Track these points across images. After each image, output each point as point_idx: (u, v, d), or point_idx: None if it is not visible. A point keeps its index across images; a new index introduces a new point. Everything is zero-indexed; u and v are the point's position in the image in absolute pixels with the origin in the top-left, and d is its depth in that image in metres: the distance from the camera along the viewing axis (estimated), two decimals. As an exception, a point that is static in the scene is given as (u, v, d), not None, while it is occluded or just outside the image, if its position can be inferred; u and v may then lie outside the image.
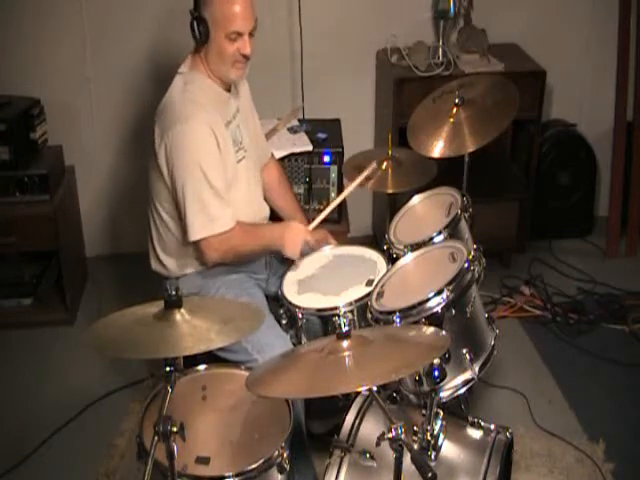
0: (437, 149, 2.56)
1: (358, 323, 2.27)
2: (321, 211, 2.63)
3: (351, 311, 2.26)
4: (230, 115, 2.44)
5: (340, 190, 3.13)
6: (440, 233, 2.36)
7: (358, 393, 2.09)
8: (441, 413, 1.97)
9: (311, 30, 3.48)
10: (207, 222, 2.30)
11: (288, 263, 2.54)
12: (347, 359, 1.63)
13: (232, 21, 2.27)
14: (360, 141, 3.53)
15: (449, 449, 1.96)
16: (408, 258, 2.30)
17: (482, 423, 2.04)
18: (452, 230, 2.37)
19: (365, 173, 2.60)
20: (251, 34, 2.32)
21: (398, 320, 2.01)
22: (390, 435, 1.62)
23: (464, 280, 2.05)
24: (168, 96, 2.36)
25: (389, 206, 2.85)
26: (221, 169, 2.32)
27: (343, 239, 2.93)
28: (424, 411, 1.97)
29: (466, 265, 2.06)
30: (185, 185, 2.28)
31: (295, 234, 2.45)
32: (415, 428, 1.94)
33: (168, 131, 2.27)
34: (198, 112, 2.28)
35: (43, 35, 3.48)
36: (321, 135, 3.19)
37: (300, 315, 2.31)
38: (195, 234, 2.31)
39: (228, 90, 2.44)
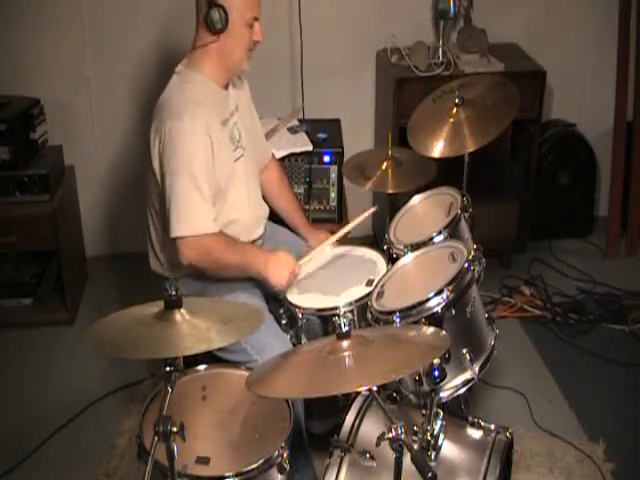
0: (437, 149, 2.56)
1: (358, 323, 2.26)
2: (311, 249, 2.49)
3: (351, 311, 2.25)
4: (227, 113, 2.43)
5: (340, 192, 3.14)
6: (440, 233, 2.35)
7: (358, 393, 2.09)
8: (441, 413, 1.97)
9: (311, 30, 3.48)
10: (188, 221, 2.25)
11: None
12: (347, 359, 1.63)
13: (252, 6, 2.28)
14: (360, 141, 3.53)
15: (449, 449, 1.96)
16: (408, 258, 2.30)
17: (482, 423, 2.04)
18: (452, 230, 2.36)
19: (364, 215, 2.48)
20: None
21: (398, 320, 2.01)
22: (390, 435, 1.62)
23: (464, 280, 2.05)
24: (165, 95, 2.35)
25: (389, 206, 2.85)
26: (211, 173, 2.29)
27: (343, 239, 2.92)
28: (424, 411, 1.96)
29: (466, 265, 2.06)
30: (172, 182, 2.25)
31: (281, 264, 2.33)
32: (415, 428, 1.94)
33: (162, 127, 2.26)
34: (194, 109, 2.27)
35: (43, 35, 3.48)
36: (321, 135, 3.19)
37: (300, 315, 2.31)
38: (175, 231, 2.25)
39: (225, 88, 2.44)
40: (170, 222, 2.27)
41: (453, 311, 2.01)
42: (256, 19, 2.31)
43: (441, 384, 1.97)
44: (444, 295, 2.00)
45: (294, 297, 2.36)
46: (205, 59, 2.35)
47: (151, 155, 2.31)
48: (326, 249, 2.54)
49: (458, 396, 2.10)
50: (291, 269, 2.34)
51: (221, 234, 2.32)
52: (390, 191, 2.63)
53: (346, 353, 1.64)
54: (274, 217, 2.72)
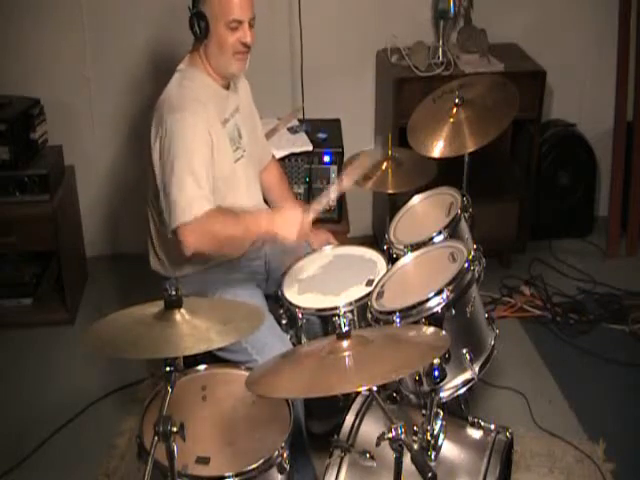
0: (437, 149, 2.56)
1: (358, 323, 2.27)
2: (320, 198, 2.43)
3: (351, 311, 2.26)
4: (228, 113, 2.44)
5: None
6: (440, 233, 2.36)
7: (358, 393, 2.09)
8: (441, 413, 1.97)
9: (311, 30, 3.48)
10: (182, 208, 2.19)
11: (288, 263, 2.54)
12: (347, 359, 1.63)
13: (231, 9, 2.27)
14: (360, 141, 3.52)
15: (449, 449, 1.96)
16: (408, 258, 2.30)
17: (482, 423, 2.04)
18: (452, 230, 2.37)
19: (360, 168, 2.53)
20: (251, 25, 2.32)
21: (398, 320, 2.01)
22: (390, 435, 1.62)
23: (464, 280, 2.05)
24: (165, 92, 2.35)
25: (389, 206, 2.85)
26: (209, 168, 2.28)
27: (343, 239, 2.93)
28: (424, 411, 1.97)
29: (466, 265, 2.06)
30: (169, 174, 2.22)
31: (288, 218, 2.26)
32: (415, 428, 1.94)
33: (163, 124, 2.26)
34: (194, 107, 2.27)
35: (43, 35, 3.48)
36: (321, 135, 3.19)
37: (300, 315, 2.31)
38: (172, 222, 2.21)
39: (226, 88, 2.44)
40: (167, 215, 2.24)
41: (453, 311, 2.01)
42: (239, 22, 2.29)
43: (441, 384, 1.97)
44: (444, 295, 2.00)
45: (294, 297, 2.36)
46: (200, 60, 2.37)
47: (152, 153, 2.31)
48: (327, 249, 2.56)
49: (458, 396, 2.10)
50: (299, 221, 2.26)
51: (215, 209, 2.23)
52: (390, 191, 2.64)
53: (346, 353, 1.64)
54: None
